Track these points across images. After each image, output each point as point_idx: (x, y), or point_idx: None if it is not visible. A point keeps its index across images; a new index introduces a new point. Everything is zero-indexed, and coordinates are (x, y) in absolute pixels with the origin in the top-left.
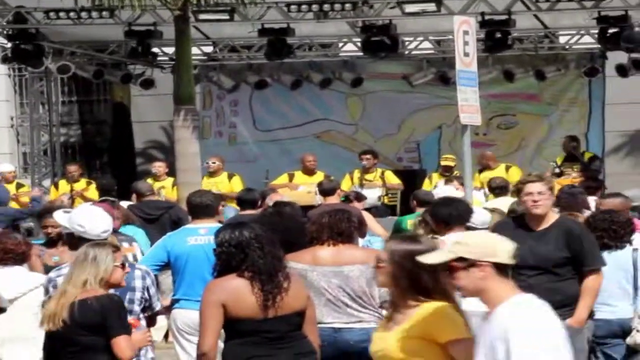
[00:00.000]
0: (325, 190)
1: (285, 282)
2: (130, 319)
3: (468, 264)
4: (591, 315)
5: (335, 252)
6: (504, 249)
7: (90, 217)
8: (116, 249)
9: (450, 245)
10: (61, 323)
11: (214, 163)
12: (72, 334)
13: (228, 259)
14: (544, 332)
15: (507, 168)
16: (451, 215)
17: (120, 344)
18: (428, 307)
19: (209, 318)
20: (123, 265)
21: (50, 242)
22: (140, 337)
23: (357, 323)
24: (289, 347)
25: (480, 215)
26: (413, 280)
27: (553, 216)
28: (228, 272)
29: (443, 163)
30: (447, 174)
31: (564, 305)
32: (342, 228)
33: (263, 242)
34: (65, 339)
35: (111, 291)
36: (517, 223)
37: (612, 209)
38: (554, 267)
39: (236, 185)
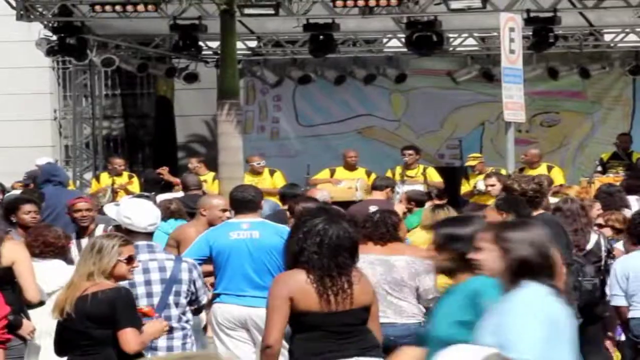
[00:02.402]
0: (376, 185)
1: (348, 281)
2: (145, 307)
3: None
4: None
5: (381, 246)
6: None
7: (137, 209)
8: (125, 242)
9: None
10: (66, 315)
11: (258, 164)
12: (83, 327)
13: (288, 245)
14: None
15: (549, 168)
16: None
17: (126, 336)
18: None
19: (275, 311)
20: (130, 259)
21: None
22: (157, 326)
23: (397, 317)
24: (355, 342)
25: None
26: None
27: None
28: (291, 261)
29: (467, 164)
30: (476, 172)
31: None
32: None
33: (325, 240)
34: (77, 332)
35: (122, 283)
36: None
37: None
38: None
39: (278, 181)
